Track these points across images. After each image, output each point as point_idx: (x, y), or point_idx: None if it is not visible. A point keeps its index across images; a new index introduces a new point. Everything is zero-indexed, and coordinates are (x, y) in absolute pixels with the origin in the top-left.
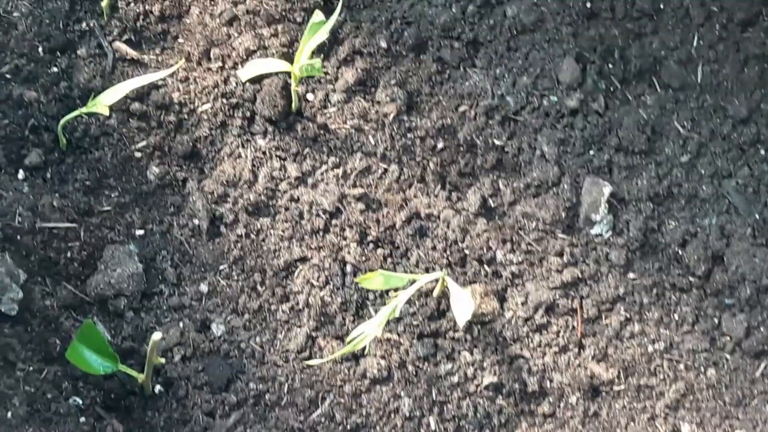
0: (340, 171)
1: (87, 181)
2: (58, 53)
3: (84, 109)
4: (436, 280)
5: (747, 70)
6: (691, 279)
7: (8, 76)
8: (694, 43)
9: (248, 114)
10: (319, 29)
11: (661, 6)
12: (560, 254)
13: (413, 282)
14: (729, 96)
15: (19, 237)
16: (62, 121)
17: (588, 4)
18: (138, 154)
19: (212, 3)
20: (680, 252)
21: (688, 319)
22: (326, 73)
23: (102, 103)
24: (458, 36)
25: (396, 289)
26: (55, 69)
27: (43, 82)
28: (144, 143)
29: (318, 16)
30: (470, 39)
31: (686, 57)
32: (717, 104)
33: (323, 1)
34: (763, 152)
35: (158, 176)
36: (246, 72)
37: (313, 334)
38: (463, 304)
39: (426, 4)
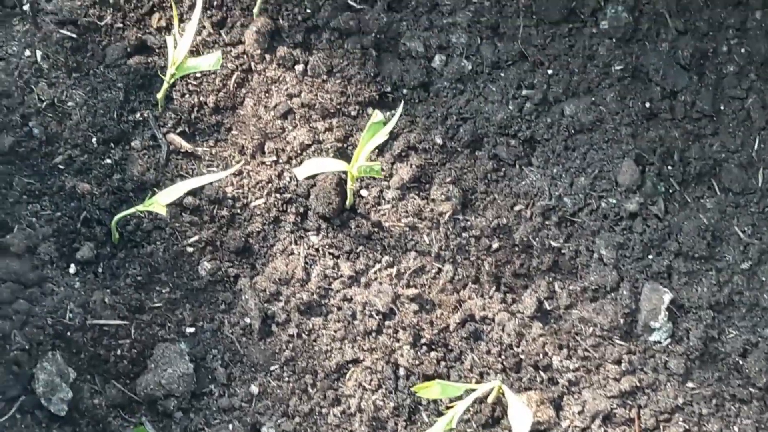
0: (393, 270)
1: (138, 276)
2: (112, 144)
3: (141, 207)
4: (493, 388)
5: None
6: (752, 390)
7: (61, 167)
8: (755, 146)
9: (302, 210)
10: (378, 130)
11: (722, 107)
12: (618, 362)
13: (470, 391)
14: None
15: (69, 334)
16: (117, 217)
17: (647, 104)
18: (190, 249)
19: (267, 95)
20: (741, 362)
21: (749, 431)
22: (381, 170)
23: (159, 203)
24: (515, 134)
25: (452, 398)
26: (108, 161)
27: (96, 173)
28: (196, 238)
29: (377, 116)
30: (527, 137)
31: (747, 160)
32: None
33: (378, 96)
34: None
35: (210, 272)
36: (303, 171)
37: None
38: (522, 416)
39: (482, 100)
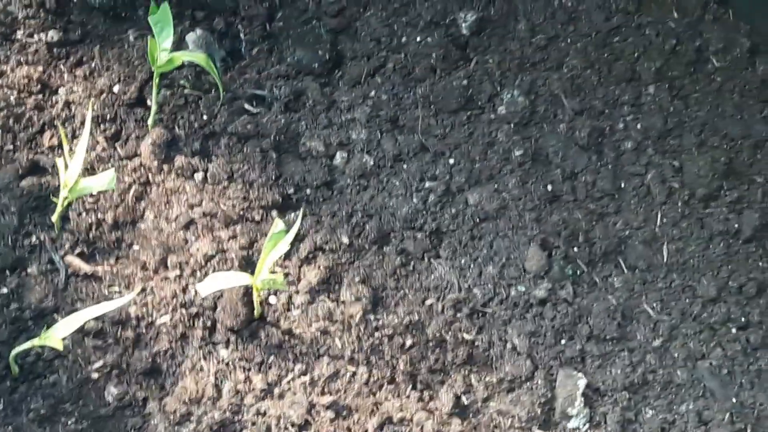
0: (307, 378)
1: (42, 410)
2: (8, 272)
3: (37, 342)
4: None
5: (712, 246)
6: None
7: None
8: (658, 222)
9: (209, 324)
10: (280, 239)
11: (622, 185)
12: None
13: None
14: (696, 275)
15: None
16: (13, 352)
17: (549, 187)
18: (95, 375)
19: (167, 207)
20: None
21: None
22: (287, 274)
23: (55, 337)
24: (421, 227)
25: None
26: (4, 290)
27: None
28: (101, 363)
29: (278, 225)
30: (433, 229)
31: (651, 236)
32: (685, 284)
33: (281, 198)
34: (734, 331)
35: (117, 397)
36: (206, 287)
37: None
38: None
39: (386, 195)
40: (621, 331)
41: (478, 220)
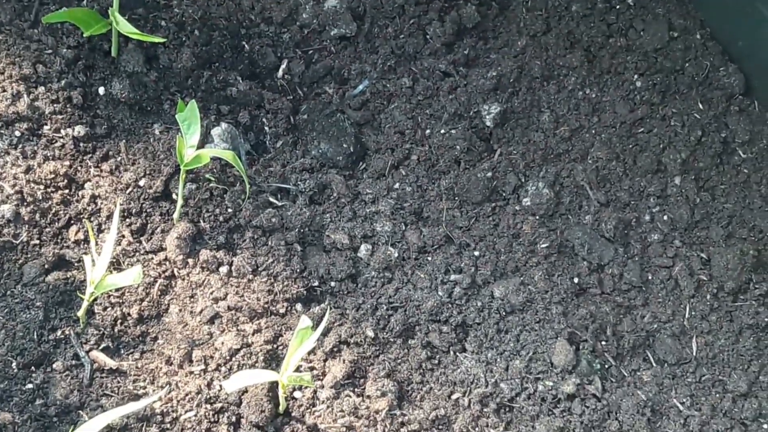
0: None
1: None
2: (33, 368)
3: None
4: None
5: (742, 340)
6: None
7: None
8: (686, 315)
9: (234, 419)
10: (306, 336)
11: (650, 277)
12: None
13: None
14: (726, 369)
15: None
16: None
17: (576, 280)
18: None
19: (192, 301)
20: None
21: None
22: (313, 368)
23: None
24: (446, 320)
25: None
26: (29, 385)
27: (17, 400)
28: None
29: (305, 321)
30: (459, 322)
31: (679, 329)
32: (715, 378)
33: (306, 291)
34: (766, 426)
35: None
36: (233, 384)
37: None
38: None
39: (411, 287)
40: (651, 427)
41: (504, 313)
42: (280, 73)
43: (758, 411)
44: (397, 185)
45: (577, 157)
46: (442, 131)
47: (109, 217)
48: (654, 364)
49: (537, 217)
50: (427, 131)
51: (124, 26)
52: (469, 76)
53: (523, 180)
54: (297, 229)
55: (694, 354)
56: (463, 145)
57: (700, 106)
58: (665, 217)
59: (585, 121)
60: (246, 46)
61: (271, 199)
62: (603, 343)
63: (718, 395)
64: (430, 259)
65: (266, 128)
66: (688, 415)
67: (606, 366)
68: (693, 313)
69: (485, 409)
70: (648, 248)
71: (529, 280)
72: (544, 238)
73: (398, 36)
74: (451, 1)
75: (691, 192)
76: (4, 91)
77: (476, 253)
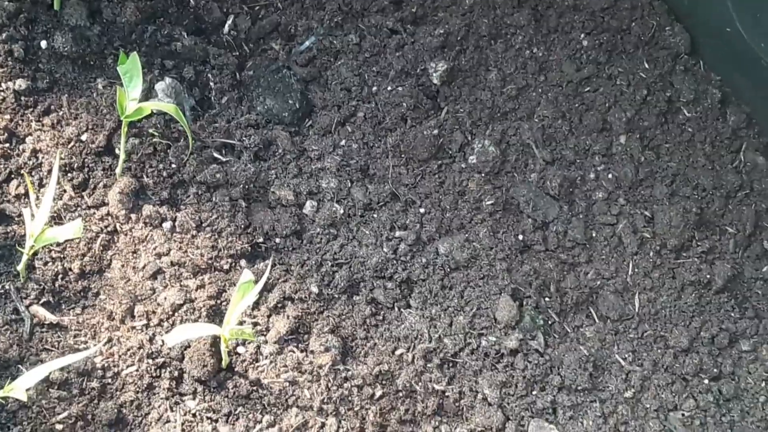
0: (275, 429)
1: None
2: None
3: (0, 393)
4: None
5: (684, 297)
6: None
7: None
8: (629, 272)
9: (176, 374)
10: (249, 290)
11: (594, 234)
12: None
13: None
14: (668, 325)
15: None
16: None
17: (520, 237)
18: (59, 426)
19: (135, 256)
20: None
21: None
22: (256, 323)
23: (19, 388)
24: (391, 276)
25: None
26: None
27: None
28: (65, 414)
29: (247, 275)
30: (404, 279)
31: (622, 286)
32: (657, 334)
33: (251, 247)
34: (706, 382)
35: None
36: (173, 338)
37: None
38: None
39: (356, 244)
40: (593, 382)
41: (448, 269)
42: (226, 28)
43: (699, 366)
44: (343, 142)
45: (523, 115)
46: (389, 88)
47: (51, 171)
48: (597, 321)
49: (483, 175)
50: (374, 88)
51: None
52: (416, 34)
53: (469, 138)
54: (242, 185)
55: (637, 310)
56: (409, 102)
57: (646, 65)
58: (610, 176)
59: (532, 79)
60: (191, 1)
61: (216, 155)
62: (546, 299)
63: (659, 351)
64: (375, 216)
65: (211, 84)
66: (630, 371)
67: (549, 322)
68: (636, 270)
69: (429, 365)
70: (592, 206)
71: (474, 237)
72: (490, 195)
73: None
74: None
75: (636, 150)
76: None
77: (422, 210)
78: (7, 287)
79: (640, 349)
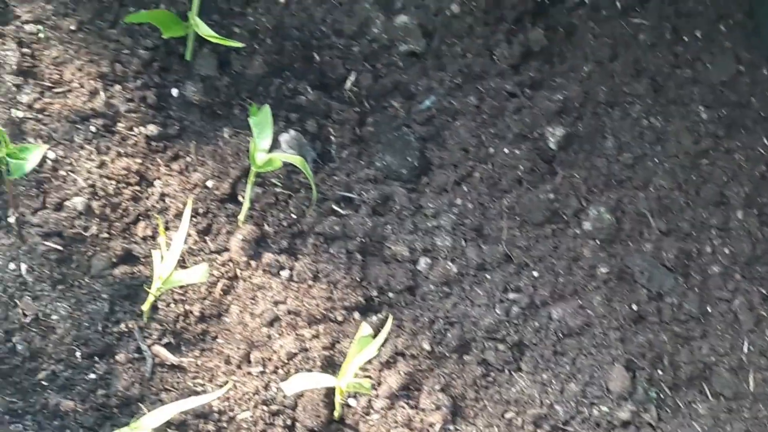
0: None
1: None
2: (96, 358)
3: (126, 431)
4: None
5: None
6: None
7: (44, 383)
8: (744, 349)
9: (289, 422)
10: (366, 344)
11: (709, 309)
12: None
13: None
14: None
15: None
16: None
17: (634, 307)
18: None
19: (253, 303)
20: None
21: None
22: (368, 377)
23: (144, 427)
24: (503, 338)
25: None
26: (92, 375)
27: (80, 390)
28: None
29: (365, 329)
30: (515, 341)
31: (737, 364)
32: None
33: (364, 300)
34: None
35: None
36: (291, 387)
37: None
38: None
39: (469, 303)
40: None
41: (561, 335)
42: (348, 84)
43: None
44: (458, 201)
45: (639, 184)
46: (506, 150)
47: (177, 215)
48: (710, 397)
49: (597, 242)
50: (491, 150)
51: (204, 29)
52: (534, 98)
53: (584, 204)
54: (359, 239)
55: (752, 389)
56: (526, 165)
57: (765, 141)
58: (726, 250)
59: (648, 149)
60: (316, 56)
61: (335, 208)
62: (660, 372)
63: None
64: (488, 276)
65: (332, 138)
66: None
67: (662, 395)
68: (752, 348)
69: (539, 431)
70: (708, 280)
71: (588, 304)
72: (604, 263)
73: (466, 55)
74: (519, 24)
75: (754, 227)
76: (82, 87)
77: (535, 274)
78: (131, 326)
79: (754, 429)
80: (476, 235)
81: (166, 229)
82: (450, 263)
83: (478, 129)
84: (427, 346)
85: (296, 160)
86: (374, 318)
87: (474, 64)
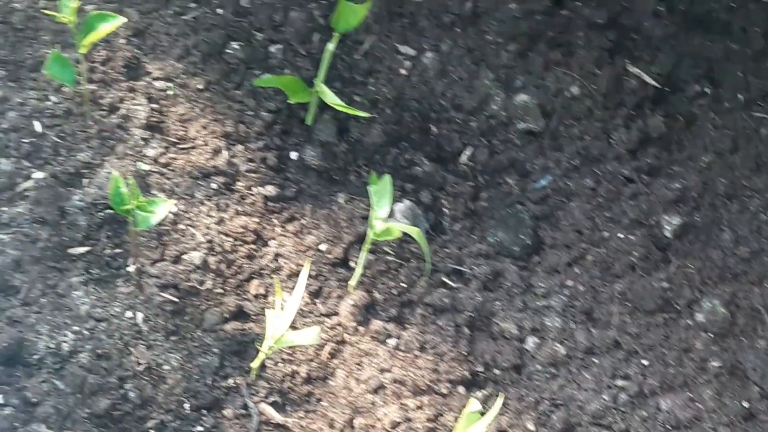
0: None
1: None
2: (204, 411)
3: None
4: None
5: None
6: None
7: None
8: None
9: None
10: (474, 420)
11: None
12: None
13: None
14: None
15: None
16: None
17: (746, 404)
18: None
19: (359, 368)
20: None
21: None
22: None
23: None
24: (609, 425)
25: None
26: (199, 428)
27: None
28: None
29: (474, 405)
30: (622, 429)
31: None
32: None
33: (470, 375)
34: None
35: None
36: None
37: None
38: None
39: (576, 387)
40: None
41: (669, 427)
42: (464, 158)
43: None
44: (570, 282)
45: (755, 279)
46: (620, 235)
47: (290, 275)
48: None
49: (710, 335)
50: (605, 233)
51: (330, 97)
52: (651, 185)
53: (698, 295)
54: (467, 312)
55: None
56: (640, 251)
57: None
58: None
59: (766, 244)
60: (434, 129)
61: (445, 280)
62: None
63: None
64: (597, 360)
65: (446, 210)
66: None
67: None
68: None
69: None
70: None
71: (698, 397)
72: (716, 356)
73: (583, 137)
74: (638, 110)
75: None
76: (206, 145)
77: (644, 362)
78: (239, 382)
79: None
80: (586, 318)
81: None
82: (558, 344)
83: (592, 212)
84: (531, 427)
85: (413, 231)
86: (479, 393)
87: (591, 146)
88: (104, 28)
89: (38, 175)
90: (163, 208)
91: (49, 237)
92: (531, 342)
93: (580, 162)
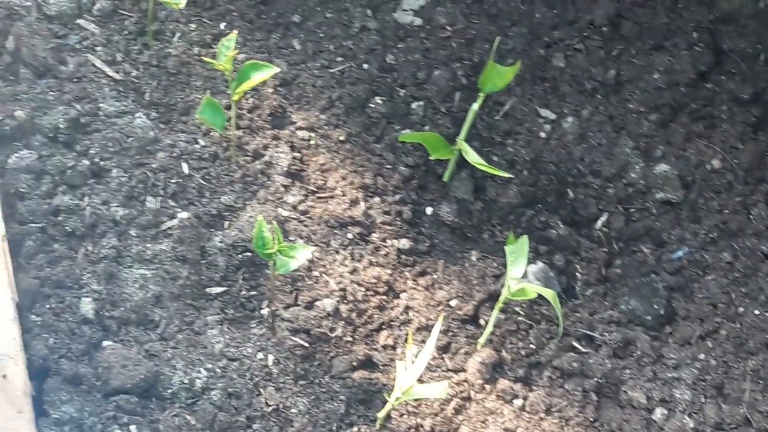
0: None
1: None
2: None
3: None
4: None
5: None
6: None
7: None
8: None
9: None
10: None
11: None
12: None
13: None
14: None
15: None
16: None
17: None
18: None
19: (483, 426)
20: None
21: None
22: None
23: None
24: None
25: None
26: None
27: None
28: None
29: None
30: None
31: None
32: None
33: None
34: None
35: None
36: None
37: None
38: None
39: None
40: None
41: None
42: (599, 224)
43: None
44: (701, 356)
45: None
46: (756, 312)
47: (419, 329)
48: None
49: None
50: (740, 309)
51: (473, 156)
52: None
53: None
54: (596, 379)
55: None
56: None
57: None
58: None
59: None
60: (570, 193)
61: (575, 344)
62: None
63: None
64: None
65: (578, 275)
66: None
67: None
68: None
69: None
70: None
71: None
72: None
73: (723, 211)
74: None
75: None
76: (344, 195)
77: None
78: (364, 431)
79: None
80: (717, 393)
81: (406, 341)
82: (687, 417)
83: (729, 286)
84: None
85: (548, 293)
86: None
87: (730, 220)
88: (257, 78)
89: (183, 215)
90: (302, 254)
91: (189, 275)
92: (659, 413)
93: (718, 235)
